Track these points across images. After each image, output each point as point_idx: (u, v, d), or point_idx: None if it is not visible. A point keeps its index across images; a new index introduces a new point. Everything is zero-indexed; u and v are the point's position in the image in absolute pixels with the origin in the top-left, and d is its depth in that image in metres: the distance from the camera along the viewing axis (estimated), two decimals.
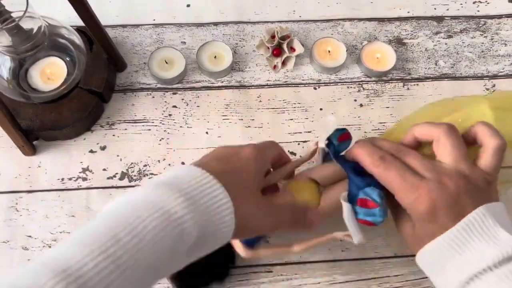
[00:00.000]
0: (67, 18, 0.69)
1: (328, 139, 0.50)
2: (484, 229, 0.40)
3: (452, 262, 0.41)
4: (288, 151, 0.63)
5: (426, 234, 0.42)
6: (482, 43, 0.72)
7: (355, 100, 0.67)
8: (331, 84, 0.69)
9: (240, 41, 0.71)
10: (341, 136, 0.51)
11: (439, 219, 0.41)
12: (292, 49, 0.68)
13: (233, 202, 0.39)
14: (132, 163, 0.63)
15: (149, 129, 0.65)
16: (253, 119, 0.66)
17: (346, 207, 0.46)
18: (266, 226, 0.43)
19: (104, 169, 0.63)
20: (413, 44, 0.71)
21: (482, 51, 0.71)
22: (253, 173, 0.43)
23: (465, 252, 0.40)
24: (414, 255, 0.45)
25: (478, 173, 0.43)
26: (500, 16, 0.74)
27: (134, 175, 0.62)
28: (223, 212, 0.38)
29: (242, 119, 0.66)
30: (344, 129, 0.51)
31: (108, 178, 0.62)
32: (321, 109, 0.67)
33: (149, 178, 0.62)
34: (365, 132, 0.65)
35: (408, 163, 0.44)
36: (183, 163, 0.63)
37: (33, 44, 0.54)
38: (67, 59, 0.61)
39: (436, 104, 0.59)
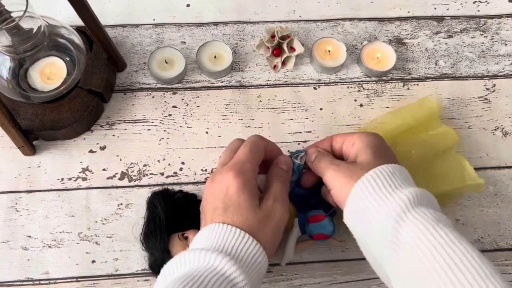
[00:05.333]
0: (67, 18, 0.69)
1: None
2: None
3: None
4: (288, 151, 0.63)
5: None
6: (482, 43, 0.72)
7: (355, 100, 0.67)
8: (331, 84, 0.69)
9: (240, 41, 0.71)
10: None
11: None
12: (292, 49, 0.68)
13: (257, 240, 0.45)
14: (132, 163, 0.63)
15: (149, 129, 0.65)
16: (253, 119, 0.66)
17: (295, 232, 0.53)
18: (283, 224, 0.49)
19: (104, 169, 0.63)
20: (413, 44, 0.71)
21: (482, 51, 0.71)
22: (248, 202, 0.46)
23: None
24: None
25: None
26: (500, 16, 0.74)
27: (134, 175, 0.62)
28: (258, 258, 0.45)
29: (242, 119, 0.66)
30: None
31: (108, 178, 0.62)
32: (321, 109, 0.67)
33: (149, 178, 0.62)
34: None
35: None
36: (183, 163, 0.63)
37: (33, 44, 0.54)
38: (67, 59, 0.61)
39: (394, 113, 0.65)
